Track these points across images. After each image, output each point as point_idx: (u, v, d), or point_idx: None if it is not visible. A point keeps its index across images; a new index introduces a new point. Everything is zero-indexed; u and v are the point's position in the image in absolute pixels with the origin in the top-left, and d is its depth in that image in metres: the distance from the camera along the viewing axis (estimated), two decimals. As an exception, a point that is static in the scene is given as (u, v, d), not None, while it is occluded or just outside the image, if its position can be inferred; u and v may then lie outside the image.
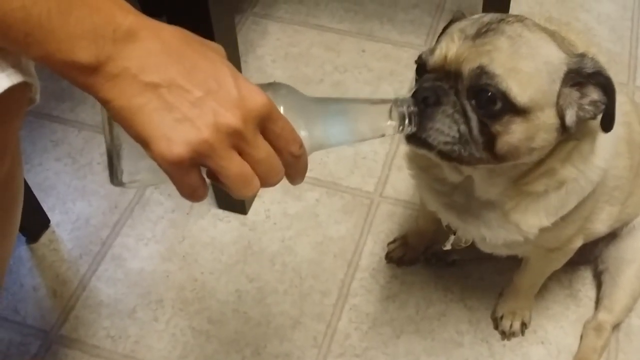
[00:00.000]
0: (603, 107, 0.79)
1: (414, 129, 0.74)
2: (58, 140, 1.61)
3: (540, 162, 0.85)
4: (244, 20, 1.86)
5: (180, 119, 0.54)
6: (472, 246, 1.12)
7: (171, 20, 1.12)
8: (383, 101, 0.71)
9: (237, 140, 0.56)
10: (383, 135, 0.72)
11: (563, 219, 0.95)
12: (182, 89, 0.54)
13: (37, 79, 0.77)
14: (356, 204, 1.48)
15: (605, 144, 0.88)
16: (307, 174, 1.53)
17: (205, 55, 0.57)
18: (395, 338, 1.29)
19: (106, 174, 1.51)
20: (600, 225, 1.12)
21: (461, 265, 1.37)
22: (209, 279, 1.38)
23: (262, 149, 0.58)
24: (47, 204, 1.48)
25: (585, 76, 0.78)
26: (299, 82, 1.70)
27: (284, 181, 1.37)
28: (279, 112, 0.59)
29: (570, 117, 0.79)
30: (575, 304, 1.33)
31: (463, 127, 0.77)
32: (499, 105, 0.76)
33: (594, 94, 0.79)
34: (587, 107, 0.79)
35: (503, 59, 0.76)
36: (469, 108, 0.77)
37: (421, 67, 0.83)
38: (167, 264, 1.40)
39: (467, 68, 0.77)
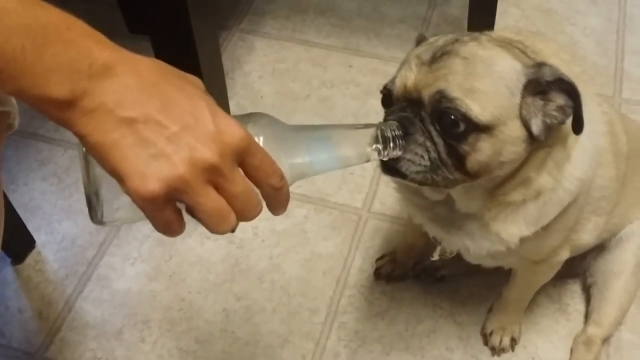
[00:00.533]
0: (570, 110, 0.80)
1: (399, 153, 0.75)
2: (44, 160, 1.59)
3: (515, 172, 0.85)
4: (230, 37, 1.86)
5: (155, 155, 0.53)
6: (461, 260, 1.12)
7: (155, 39, 1.12)
8: (366, 126, 0.71)
9: (213, 176, 0.55)
10: (368, 161, 0.72)
11: (545, 229, 0.95)
12: (158, 125, 0.54)
13: (15, 106, 0.76)
14: (344, 220, 1.48)
15: (583, 154, 0.89)
16: (295, 191, 1.53)
17: (183, 89, 0.57)
18: (385, 355, 1.28)
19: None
20: (587, 236, 1.11)
21: (450, 281, 1.37)
22: (196, 298, 1.36)
23: (239, 183, 0.57)
24: (33, 224, 1.46)
25: (546, 84, 0.79)
26: (286, 98, 1.70)
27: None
28: (258, 145, 0.59)
29: (536, 127, 0.79)
30: (564, 318, 1.33)
31: (433, 155, 0.79)
32: (462, 127, 0.77)
33: (559, 99, 0.80)
34: (554, 113, 0.80)
35: (459, 80, 0.77)
36: (434, 133, 0.78)
37: (386, 97, 0.85)
38: (154, 284, 1.39)
39: (426, 94, 0.78)
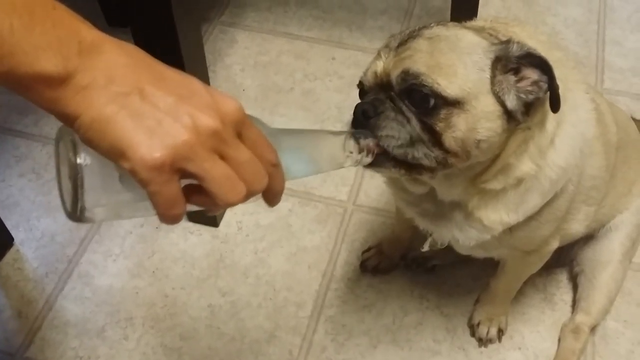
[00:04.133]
0: (546, 85, 0.80)
1: (370, 159, 0.76)
2: (21, 156, 1.56)
3: (495, 159, 0.85)
4: (212, 30, 1.84)
5: (156, 124, 0.52)
6: (451, 250, 1.11)
7: (136, 32, 1.10)
8: (337, 133, 0.72)
9: (217, 143, 0.54)
10: (343, 167, 0.72)
11: (536, 219, 0.95)
12: (153, 96, 0.52)
13: None
14: (330, 213, 1.46)
15: (567, 141, 0.88)
16: (279, 184, 1.50)
17: (170, 68, 0.56)
18: (372, 348, 1.27)
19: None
20: (577, 226, 1.12)
21: (437, 272, 1.36)
22: (180, 294, 1.34)
23: (244, 151, 0.56)
24: (11, 222, 1.43)
25: (515, 60, 0.80)
26: (269, 91, 1.68)
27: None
28: (251, 120, 0.58)
29: (511, 102, 0.80)
30: (550, 308, 1.33)
31: (408, 127, 0.79)
32: (431, 102, 0.78)
33: (533, 75, 0.80)
34: (529, 88, 0.80)
35: (424, 58, 0.79)
36: (405, 109, 0.80)
37: (362, 91, 0.87)
38: (137, 280, 1.36)
39: (394, 75, 0.80)
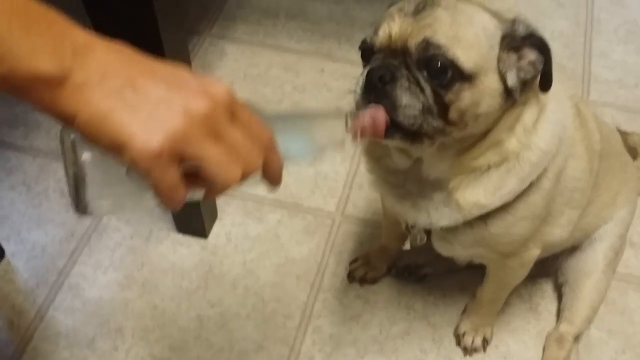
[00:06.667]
0: (541, 66, 0.84)
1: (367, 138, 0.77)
2: (12, 168, 1.57)
3: (488, 134, 0.88)
4: (201, 42, 1.86)
5: (151, 114, 0.54)
6: (440, 257, 1.13)
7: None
8: (340, 112, 0.73)
9: (211, 125, 0.56)
10: (342, 146, 0.73)
11: (511, 212, 0.96)
12: (145, 87, 0.55)
13: None
14: (318, 224, 1.48)
15: (547, 126, 0.91)
16: (268, 196, 1.52)
17: (159, 61, 0.59)
18: (360, 359, 1.29)
19: (63, 200, 1.50)
20: (560, 231, 1.12)
21: (424, 283, 1.38)
22: (169, 305, 1.35)
23: (238, 132, 0.58)
24: (2, 234, 1.44)
25: (520, 39, 0.83)
26: (259, 103, 1.69)
27: (244, 203, 1.36)
28: (242, 102, 0.60)
29: (511, 79, 0.83)
30: (535, 317, 1.34)
31: (422, 97, 0.80)
32: (449, 73, 0.79)
33: (531, 55, 0.83)
34: (526, 67, 0.83)
35: (444, 29, 0.80)
36: (421, 79, 0.80)
37: (366, 50, 0.86)
38: (126, 292, 1.37)
39: (413, 42, 0.80)
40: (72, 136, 0.57)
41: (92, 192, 0.59)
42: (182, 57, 1.21)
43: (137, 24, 1.08)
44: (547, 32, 1.82)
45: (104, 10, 1.09)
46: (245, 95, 1.82)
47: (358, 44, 0.86)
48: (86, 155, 0.57)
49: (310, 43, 1.85)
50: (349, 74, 1.76)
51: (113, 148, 0.54)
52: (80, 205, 0.59)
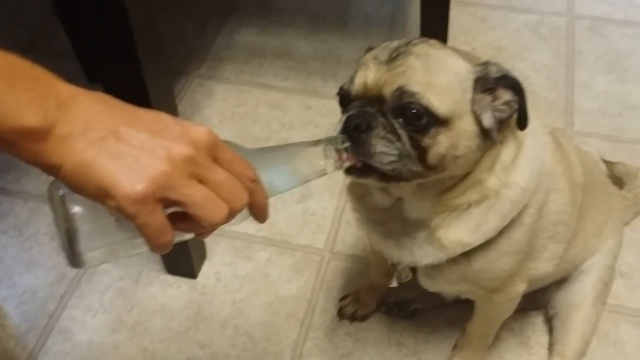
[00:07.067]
0: (516, 106, 0.86)
1: (349, 163, 0.79)
2: (3, 212, 1.58)
3: (467, 174, 0.89)
4: (190, 82, 1.88)
5: (134, 160, 0.56)
6: (429, 292, 1.13)
7: (107, 88, 1.13)
8: (319, 141, 0.75)
9: (193, 168, 0.58)
10: (325, 173, 0.75)
11: (493, 249, 0.97)
12: (128, 135, 0.57)
13: None
14: (307, 262, 1.48)
15: (526, 163, 0.93)
16: (257, 234, 1.52)
17: (141, 108, 0.61)
18: (351, 397, 1.28)
19: (53, 244, 1.50)
20: (545, 265, 1.12)
21: (414, 319, 1.38)
22: (159, 347, 1.35)
23: (221, 172, 0.60)
24: (-7, 279, 1.44)
25: (493, 81, 0.85)
26: (247, 141, 1.71)
27: (233, 242, 1.36)
28: (224, 143, 0.62)
29: (487, 120, 0.85)
30: (527, 352, 1.34)
31: (398, 144, 0.82)
32: (424, 119, 0.81)
33: (506, 95, 0.86)
34: (501, 107, 0.86)
35: (418, 77, 0.82)
36: (397, 126, 0.82)
37: (344, 97, 0.88)
38: (116, 335, 1.37)
39: (388, 90, 0.83)
40: (61, 191, 0.59)
41: (85, 244, 0.60)
42: (167, 97, 1.23)
43: (121, 68, 1.10)
44: (529, 65, 1.88)
45: (93, 56, 1.12)
46: (233, 134, 1.84)
47: (343, 80, 0.88)
48: (76, 209, 0.59)
49: (297, 81, 1.87)
50: (335, 110, 1.75)
51: (99, 196, 0.56)
52: (74, 258, 0.60)
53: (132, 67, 1.08)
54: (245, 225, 0.67)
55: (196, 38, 2.00)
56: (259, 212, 0.65)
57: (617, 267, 1.37)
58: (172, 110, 1.26)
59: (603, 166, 1.55)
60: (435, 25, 1.65)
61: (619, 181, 1.53)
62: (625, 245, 1.41)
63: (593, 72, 1.87)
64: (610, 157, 1.59)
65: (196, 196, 0.58)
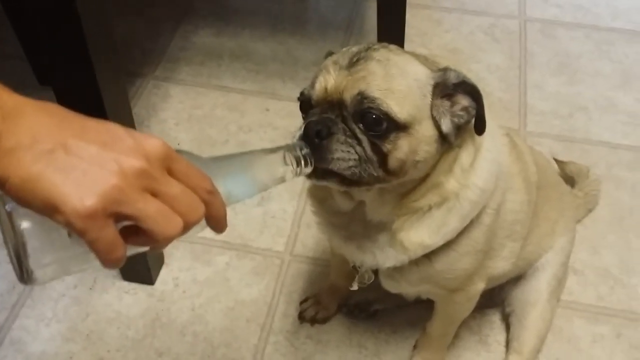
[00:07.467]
0: (474, 111, 0.87)
1: (309, 169, 0.79)
2: (-51, 220, 1.52)
3: (426, 177, 0.90)
4: (145, 84, 1.85)
5: (84, 174, 0.53)
6: (390, 293, 1.13)
7: (59, 92, 1.10)
8: (275, 150, 0.74)
9: (146, 181, 0.56)
10: (284, 181, 0.75)
11: (454, 249, 0.99)
12: (77, 148, 0.54)
13: None
14: (267, 265, 1.47)
15: (484, 164, 0.94)
16: (216, 238, 1.50)
17: (92, 119, 0.58)
18: (313, 401, 1.27)
19: (2, 252, 1.44)
20: (504, 263, 1.15)
21: (375, 320, 1.38)
22: (115, 357, 1.32)
23: (174, 185, 0.58)
24: (-63, 290, 1.39)
25: (452, 87, 0.86)
26: (204, 144, 1.69)
27: (192, 247, 1.34)
28: (178, 154, 0.60)
29: (446, 125, 0.86)
30: (485, 349, 1.36)
31: (359, 149, 0.83)
32: (384, 125, 0.82)
33: (464, 101, 0.87)
34: (459, 113, 0.87)
35: (378, 82, 0.83)
36: (358, 131, 0.83)
37: (305, 102, 0.88)
38: (70, 345, 1.33)
39: (348, 95, 0.83)
40: (8, 206, 0.56)
41: (35, 261, 0.57)
42: (121, 100, 1.20)
43: (73, 68, 1.07)
44: (484, 66, 1.91)
45: (44, 58, 1.09)
46: (190, 137, 1.82)
47: (302, 82, 0.88)
48: (25, 224, 0.56)
49: (255, 83, 1.86)
50: (294, 112, 1.76)
51: (46, 211, 0.53)
52: (24, 275, 0.58)
53: (85, 69, 1.06)
54: (203, 229, 0.65)
55: (151, 40, 1.97)
56: (216, 224, 0.63)
57: (570, 264, 1.40)
58: (127, 113, 1.24)
59: (555, 166, 1.58)
60: (391, 27, 1.66)
61: (570, 180, 1.57)
62: (578, 243, 1.45)
63: (545, 73, 1.92)
64: (562, 157, 1.63)
65: (149, 210, 0.56)
